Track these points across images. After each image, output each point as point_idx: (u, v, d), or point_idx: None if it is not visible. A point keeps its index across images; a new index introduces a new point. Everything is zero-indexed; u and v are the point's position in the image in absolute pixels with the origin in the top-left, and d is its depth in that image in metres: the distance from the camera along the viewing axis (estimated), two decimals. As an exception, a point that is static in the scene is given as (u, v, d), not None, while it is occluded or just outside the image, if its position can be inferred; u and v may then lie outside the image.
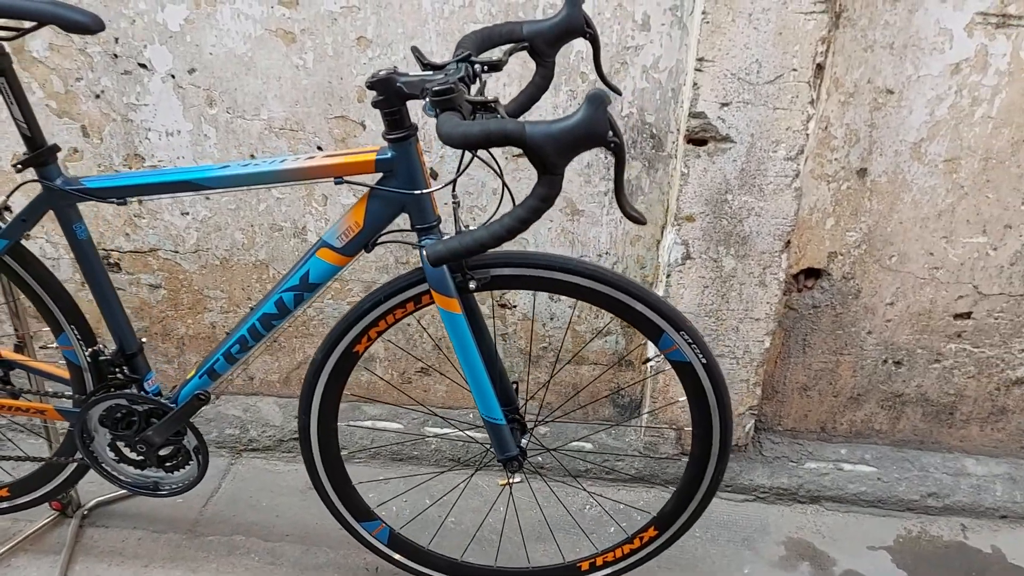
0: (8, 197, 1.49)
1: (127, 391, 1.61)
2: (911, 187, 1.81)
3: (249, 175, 1.39)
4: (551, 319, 2.07)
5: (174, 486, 1.74)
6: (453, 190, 1.40)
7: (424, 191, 1.37)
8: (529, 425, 1.70)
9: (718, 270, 1.85)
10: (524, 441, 1.65)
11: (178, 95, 1.88)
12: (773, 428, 2.18)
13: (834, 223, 1.88)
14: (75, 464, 1.81)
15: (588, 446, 2.14)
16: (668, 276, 1.88)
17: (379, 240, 1.43)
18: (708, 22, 1.61)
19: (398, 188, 1.36)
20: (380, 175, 1.36)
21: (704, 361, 1.51)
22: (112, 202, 1.45)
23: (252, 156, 1.93)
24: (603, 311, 1.49)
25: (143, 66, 1.86)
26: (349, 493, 1.74)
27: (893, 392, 2.07)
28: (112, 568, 1.92)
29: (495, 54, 1.40)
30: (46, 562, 1.94)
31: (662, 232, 1.93)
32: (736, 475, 2.10)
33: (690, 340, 1.49)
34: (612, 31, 1.71)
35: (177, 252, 2.10)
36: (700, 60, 1.64)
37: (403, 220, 1.39)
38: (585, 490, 2.06)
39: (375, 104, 1.28)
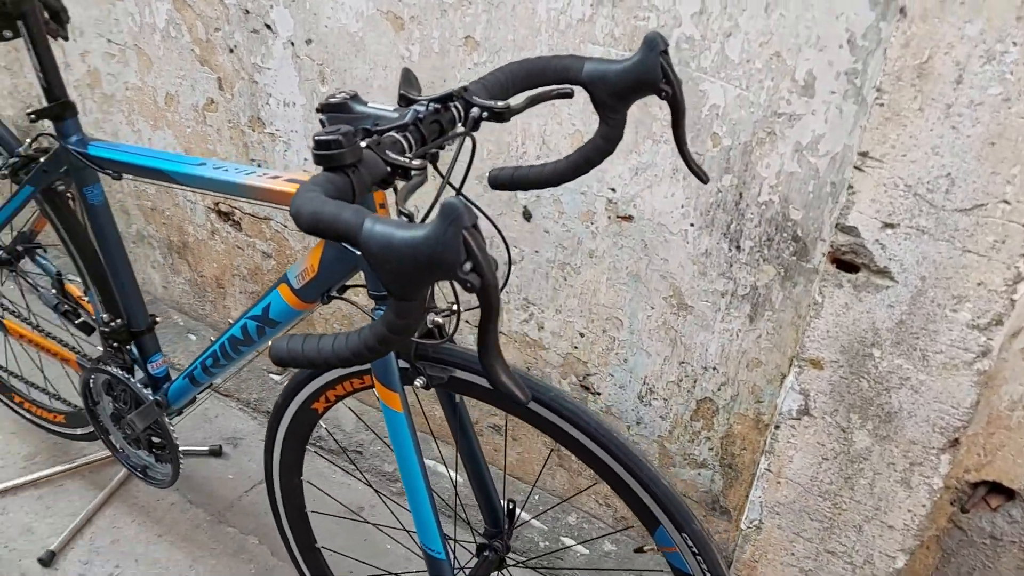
0: (29, 145, 1.42)
1: (119, 369, 1.51)
2: None
3: (214, 180, 1.17)
4: (637, 423, 1.65)
5: (157, 477, 1.64)
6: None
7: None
8: (509, 562, 1.34)
9: (845, 443, 1.31)
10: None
11: (295, 65, 1.72)
12: (902, 665, 1.57)
13: (1047, 433, 1.24)
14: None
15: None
16: (778, 428, 1.37)
17: (337, 294, 1.15)
18: (883, 103, 1.08)
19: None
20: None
21: (714, 584, 1.05)
22: (108, 174, 1.32)
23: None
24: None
25: (268, 27, 1.72)
26: (312, 555, 1.51)
27: None
28: (132, 526, 1.89)
29: (519, 98, 1.04)
30: (88, 495, 1.96)
31: (790, 365, 1.41)
32: None
33: (695, 548, 1.04)
34: (762, 88, 1.23)
35: (286, 227, 1.98)
36: (863, 155, 1.11)
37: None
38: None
39: (326, 132, 0.99)
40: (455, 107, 0.98)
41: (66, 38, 1.34)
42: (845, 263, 1.21)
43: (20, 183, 1.44)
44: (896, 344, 1.20)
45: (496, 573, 1.36)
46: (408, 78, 1.03)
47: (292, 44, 1.70)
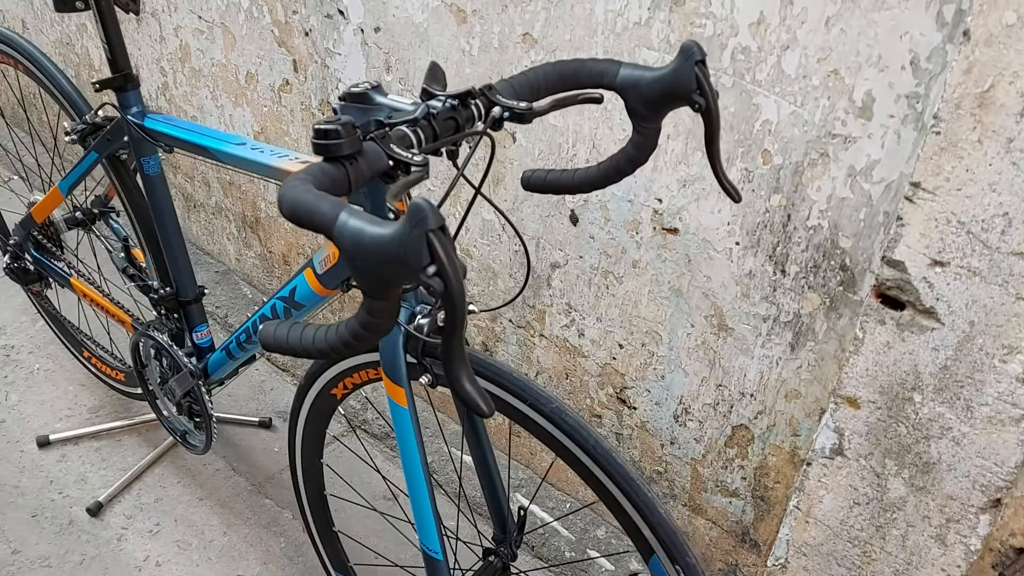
0: (94, 113, 1.48)
1: (163, 335, 1.56)
2: None
3: (250, 161, 1.19)
4: (672, 442, 1.60)
5: (194, 443, 1.69)
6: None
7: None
8: (513, 569, 1.32)
9: (879, 489, 1.23)
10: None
11: (363, 52, 1.74)
12: None
13: (1104, 505, 1.13)
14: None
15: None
16: (809, 465, 1.30)
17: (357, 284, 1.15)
18: (939, 132, 1.00)
19: (362, 231, 1.05)
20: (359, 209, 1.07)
21: (705, 622, 1.00)
22: (160, 146, 1.37)
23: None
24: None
25: (341, 13, 1.74)
26: (330, 537, 1.53)
27: None
28: (176, 487, 1.96)
29: (545, 100, 1.02)
30: (141, 452, 2.04)
31: (830, 400, 1.33)
32: None
33: (687, 584, 0.99)
34: (817, 106, 1.17)
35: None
36: (915, 186, 1.04)
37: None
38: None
39: (344, 122, 0.99)
40: (475, 105, 0.97)
41: (137, 12, 1.39)
42: (890, 299, 1.13)
43: (87, 148, 1.51)
44: (938, 391, 1.12)
45: (500, 579, 1.34)
46: (434, 72, 1.01)
47: (362, 31, 1.72)
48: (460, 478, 1.28)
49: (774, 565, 1.42)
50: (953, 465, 1.14)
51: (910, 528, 1.23)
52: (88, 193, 1.79)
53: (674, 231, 1.40)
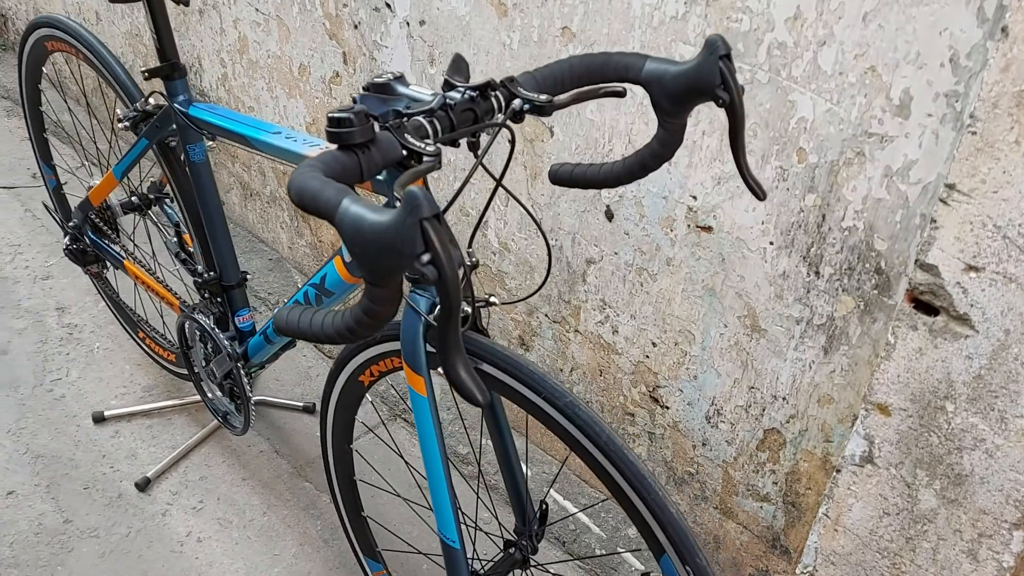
0: (144, 101, 1.53)
1: (207, 318, 1.61)
2: None
3: (282, 149, 1.22)
4: (703, 444, 1.57)
5: (234, 424, 1.73)
6: (469, 246, 1.08)
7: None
8: (532, 562, 1.32)
9: (909, 500, 1.20)
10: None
11: (409, 45, 1.75)
12: None
13: None
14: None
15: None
16: (839, 472, 1.27)
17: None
18: (975, 132, 0.96)
19: (386, 221, 1.07)
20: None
21: (714, 625, 0.99)
22: (204, 135, 1.41)
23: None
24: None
25: (388, 6, 1.76)
26: (359, 522, 1.55)
27: None
28: (221, 466, 2.02)
29: (566, 93, 1.02)
30: (190, 431, 2.11)
31: (861, 406, 1.30)
32: None
33: (696, 585, 0.98)
34: (853, 104, 1.13)
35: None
36: (950, 188, 1.00)
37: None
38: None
39: (369, 112, 1.00)
40: (495, 96, 0.97)
41: (187, 3, 1.43)
42: (923, 304, 1.09)
43: (139, 135, 1.56)
44: (972, 400, 1.08)
45: (521, 572, 1.34)
46: (456, 64, 1.02)
47: (407, 24, 1.74)
48: (480, 467, 1.29)
49: (802, 573, 1.39)
50: (986, 478, 1.10)
51: (941, 541, 1.19)
52: (143, 178, 1.85)
53: (708, 229, 1.38)
